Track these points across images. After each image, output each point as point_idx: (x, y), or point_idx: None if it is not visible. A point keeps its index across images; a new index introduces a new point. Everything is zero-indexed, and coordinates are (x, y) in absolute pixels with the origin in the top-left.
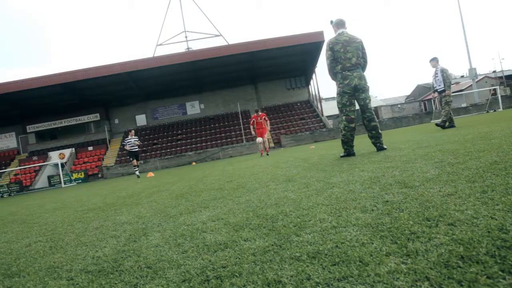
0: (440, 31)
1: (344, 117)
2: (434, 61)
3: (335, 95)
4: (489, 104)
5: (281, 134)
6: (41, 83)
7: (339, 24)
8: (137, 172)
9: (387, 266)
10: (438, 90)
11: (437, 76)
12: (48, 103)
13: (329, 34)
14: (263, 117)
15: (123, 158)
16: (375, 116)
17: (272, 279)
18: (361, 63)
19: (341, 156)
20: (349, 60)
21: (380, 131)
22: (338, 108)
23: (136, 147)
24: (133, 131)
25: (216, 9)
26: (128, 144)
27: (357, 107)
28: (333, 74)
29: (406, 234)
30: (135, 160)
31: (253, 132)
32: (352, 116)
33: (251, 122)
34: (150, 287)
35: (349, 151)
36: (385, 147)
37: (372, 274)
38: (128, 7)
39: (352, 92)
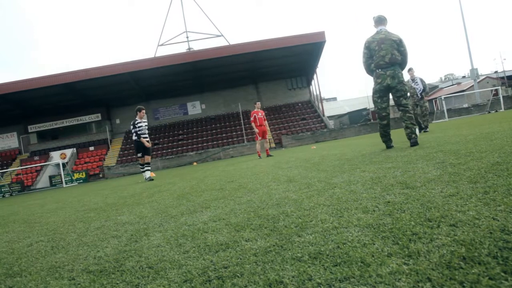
0: (441, 31)
1: (377, 115)
2: (411, 71)
3: (337, 95)
4: (490, 105)
5: (282, 134)
6: (42, 83)
7: (378, 22)
8: (147, 173)
9: (388, 267)
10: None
11: (417, 84)
12: (49, 103)
13: (330, 34)
14: (263, 114)
15: (124, 158)
16: (410, 108)
17: (273, 279)
18: (398, 61)
19: (387, 148)
20: (382, 58)
21: (415, 124)
22: (374, 104)
23: (147, 135)
24: (143, 110)
25: (218, 9)
26: (140, 130)
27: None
28: (370, 71)
29: (408, 235)
30: (144, 157)
31: (255, 129)
32: (383, 114)
33: (252, 119)
34: (152, 287)
35: (387, 145)
36: (418, 142)
37: (373, 274)
38: (129, 8)
39: (385, 90)
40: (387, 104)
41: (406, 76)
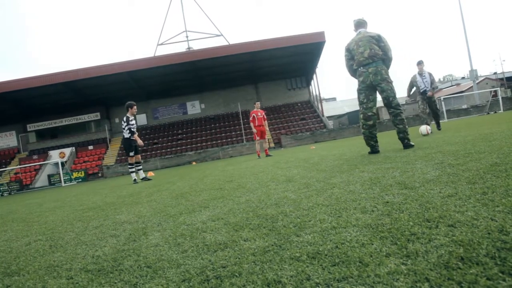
0: (441, 32)
1: (361, 115)
2: (421, 64)
3: (336, 95)
4: (489, 106)
5: (282, 134)
6: (42, 82)
7: (357, 25)
8: (141, 173)
9: (387, 267)
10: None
11: (425, 78)
12: (48, 102)
13: (330, 34)
14: (263, 113)
15: (123, 157)
16: (401, 111)
17: (272, 279)
18: (379, 55)
19: (369, 153)
20: (361, 54)
21: (407, 126)
22: (359, 105)
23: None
24: (135, 106)
25: (217, 9)
26: (133, 127)
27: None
28: (353, 72)
29: (406, 235)
30: (133, 156)
31: (254, 129)
32: (369, 113)
33: (251, 118)
34: (150, 287)
35: (372, 149)
36: (412, 143)
37: (372, 274)
38: (128, 7)
39: (368, 89)
40: (374, 103)
41: (414, 70)
